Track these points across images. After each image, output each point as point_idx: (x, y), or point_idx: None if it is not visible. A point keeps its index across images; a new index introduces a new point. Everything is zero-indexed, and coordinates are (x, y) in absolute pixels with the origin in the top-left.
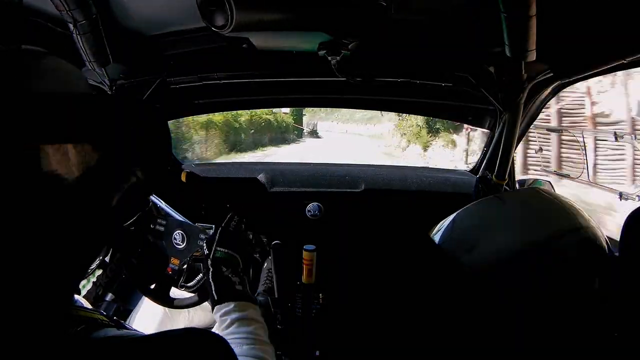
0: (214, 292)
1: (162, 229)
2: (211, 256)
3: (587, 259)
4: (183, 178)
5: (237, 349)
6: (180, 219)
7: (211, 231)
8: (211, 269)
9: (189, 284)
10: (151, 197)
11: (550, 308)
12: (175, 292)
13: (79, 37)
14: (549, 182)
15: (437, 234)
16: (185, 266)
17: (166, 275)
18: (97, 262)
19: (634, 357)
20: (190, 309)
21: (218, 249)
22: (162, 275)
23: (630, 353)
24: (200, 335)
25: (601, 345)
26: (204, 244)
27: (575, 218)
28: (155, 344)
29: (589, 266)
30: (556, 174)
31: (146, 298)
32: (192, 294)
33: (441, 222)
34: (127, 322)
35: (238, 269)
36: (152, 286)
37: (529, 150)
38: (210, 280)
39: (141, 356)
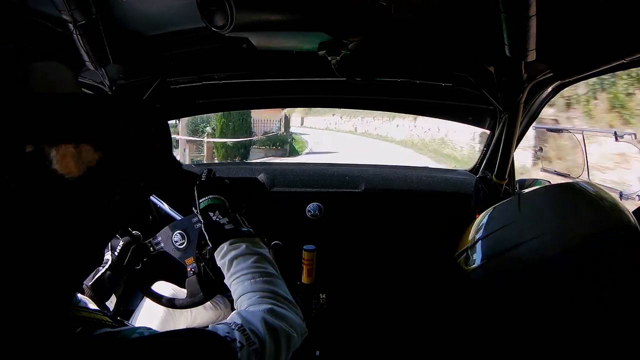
0: (208, 241)
1: (162, 244)
2: (199, 210)
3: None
4: None
5: (240, 288)
6: (179, 217)
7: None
8: (202, 221)
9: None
10: (151, 197)
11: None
12: (178, 292)
13: (79, 37)
14: (549, 182)
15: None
16: (202, 263)
17: (190, 278)
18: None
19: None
20: (193, 309)
21: (200, 201)
22: (189, 280)
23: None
24: (202, 336)
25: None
26: (196, 213)
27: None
28: (157, 344)
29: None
30: (556, 174)
31: (147, 298)
32: (194, 294)
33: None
34: (129, 322)
35: (225, 209)
36: (169, 293)
37: None
38: (204, 232)
39: (143, 356)
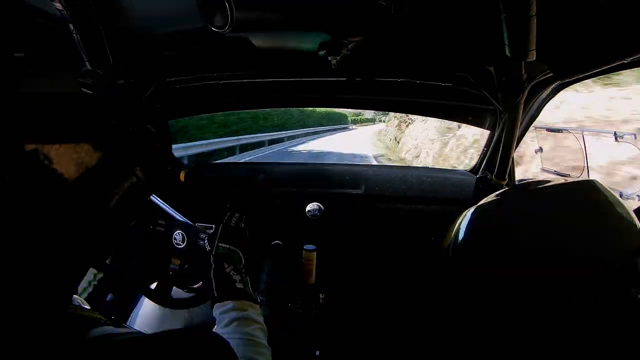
0: (214, 289)
1: (161, 229)
2: (213, 252)
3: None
4: (182, 178)
5: (234, 350)
6: (180, 219)
7: (211, 230)
8: (213, 266)
9: (195, 286)
10: (151, 197)
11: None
12: (176, 292)
13: (78, 37)
14: None
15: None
16: (186, 266)
17: (167, 275)
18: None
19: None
20: (190, 309)
21: (220, 245)
22: (163, 275)
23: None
24: (200, 335)
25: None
26: (206, 241)
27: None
28: (155, 343)
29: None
30: (556, 174)
31: (146, 298)
32: (193, 294)
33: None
34: (127, 322)
35: (240, 266)
36: (153, 287)
37: None
38: (212, 277)
39: (140, 356)
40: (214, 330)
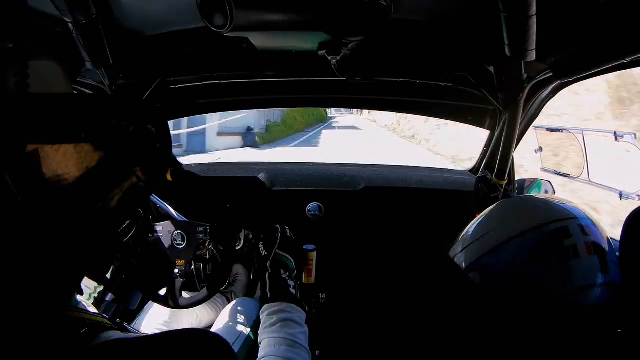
0: (267, 290)
1: (160, 235)
2: (270, 258)
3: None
4: (168, 176)
5: (274, 348)
6: (180, 218)
7: (207, 226)
8: (269, 270)
9: (204, 287)
10: (151, 197)
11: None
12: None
13: (79, 37)
14: (549, 182)
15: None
16: (192, 267)
17: (174, 277)
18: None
19: (636, 355)
20: (196, 309)
21: (278, 252)
22: (170, 279)
23: (633, 352)
24: (201, 336)
25: (604, 341)
26: (261, 245)
27: (567, 210)
28: (155, 344)
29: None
30: (556, 174)
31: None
32: (196, 293)
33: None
34: (133, 323)
35: (293, 274)
36: (163, 292)
37: None
38: (267, 279)
39: (141, 357)
40: (260, 328)
